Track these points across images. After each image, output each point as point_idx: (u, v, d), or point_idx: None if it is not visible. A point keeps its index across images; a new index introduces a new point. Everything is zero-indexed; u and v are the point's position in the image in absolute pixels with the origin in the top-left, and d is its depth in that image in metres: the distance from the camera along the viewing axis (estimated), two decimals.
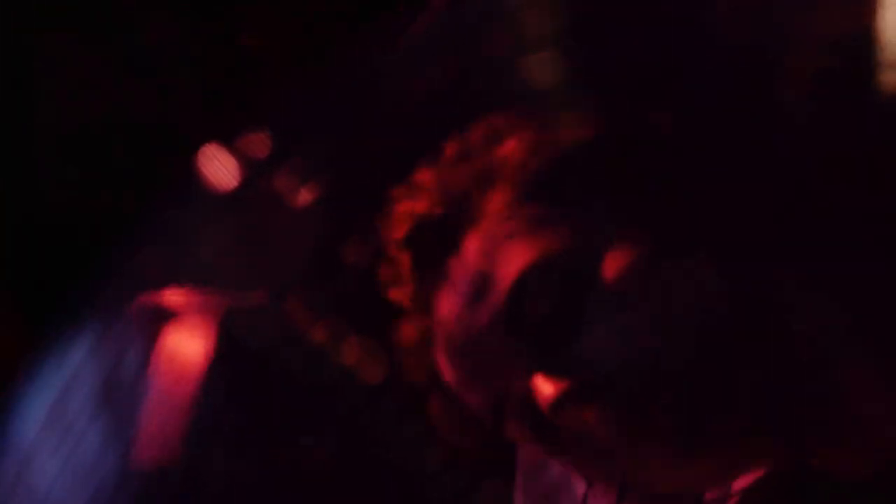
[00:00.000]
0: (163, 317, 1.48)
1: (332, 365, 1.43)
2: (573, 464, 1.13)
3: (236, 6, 2.21)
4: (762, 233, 1.08)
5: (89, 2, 2.23)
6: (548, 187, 1.10)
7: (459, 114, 1.23)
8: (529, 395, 1.08)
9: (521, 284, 1.08)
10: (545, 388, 1.07)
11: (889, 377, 1.06)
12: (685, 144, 1.11)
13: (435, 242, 1.13)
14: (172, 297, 1.47)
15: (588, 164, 1.10)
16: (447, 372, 1.13)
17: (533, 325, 1.08)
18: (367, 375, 1.42)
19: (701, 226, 1.08)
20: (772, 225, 1.08)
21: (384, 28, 1.24)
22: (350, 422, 1.44)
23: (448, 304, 1.12)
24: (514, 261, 1.08)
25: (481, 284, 1.10)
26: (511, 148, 1.12)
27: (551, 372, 1.07)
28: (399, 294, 1.15)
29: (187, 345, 1.48)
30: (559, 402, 1.06)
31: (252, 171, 1.29)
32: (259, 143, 1.28)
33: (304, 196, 1.29)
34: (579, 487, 1.30)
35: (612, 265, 1.07)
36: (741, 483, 1.10)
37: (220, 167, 1.30)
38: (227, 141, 1.30)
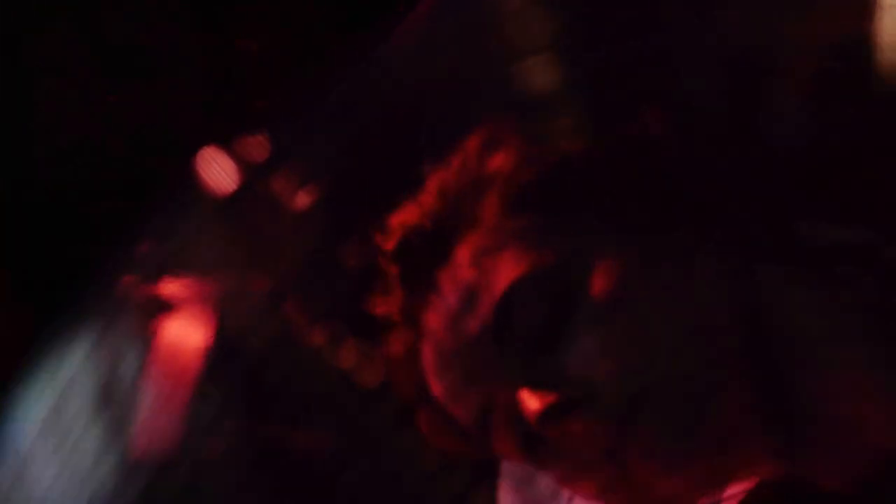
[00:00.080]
0: (161, 307, 1.48)
1: (330, 368, 1.43)
2: (559, 476, 1.13)
3: (234, 10, 2.21)
4: (753, 239, 1.08)
5: (88, 5, 2.23)
6: (538, 200, 1.10)
7: (454, 117, 1.23)
8: (516, 407, 1.08)
9: (509, 297, 1.08)
10: (531, 400, 1.07)
11: (876, 384, 1.06)
12: (679, 152, 1.11)
13: (424, 254, 1.13)
14: (170, 286, 1.47)
15: (578, 177, 1.10)
16: (435, 383, 1.13)
17: (520, 337, 1.08)
18: (364, 378, 1.42)
19: (690, 237, 1.08)
20: (763, 231, 1.08)
21: (381, 32, 1.24)
22: (348, 424, 1.44)
23: (437, 316, 1.11)
24: (503, 273, 1.08)
25: (470, 296, 1.10)
26: (501, 160, 1.12)
27: (538, 385, 1.07)
28: (388, 306, 1.15)
29: (186, 335, 1.48)
30: (545, 414, 1.06)
31: (250, 173, 1.29)
32: (257, 146, 1.28)
33: (302, 199, 1.29)
34: (567, 497, 1.30)
35: (601, 278, 1.06)
36: (729, 494, 1.10)
37: (218, 170, 1.30)
38: (226, 144, 1.31)
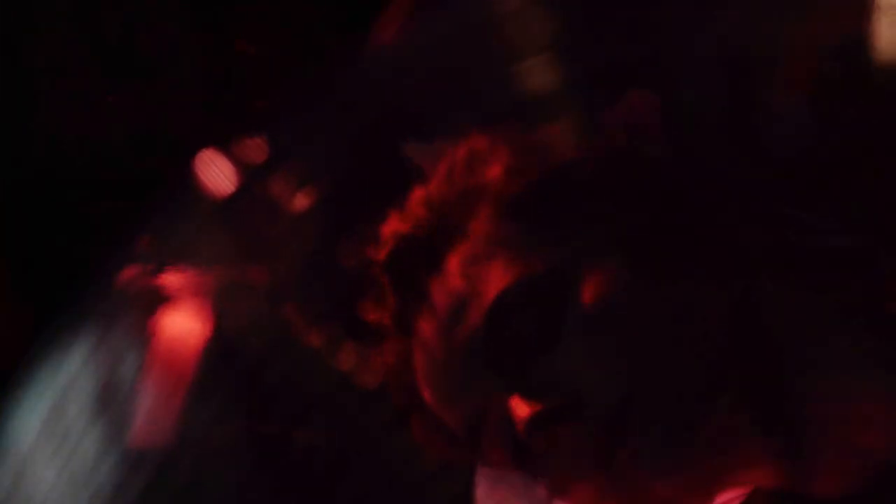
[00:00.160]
0: (158, 306, 1.48)
1: (329, 368, 1.43)
2: (550, 484, 1.13)
3: (234, 10, 2.21)
4: (747, 244, 1.08)
5: (88, 5, 2.23)
6: (528, 209, 1.10)
7: (450, 120, 1.23)
8: (506, 415, 1.08)
9: (498, 305, 1.08)
10: (520, 409, 1.07)
11: (871, 389, 1.06)
12: (675, 155, 1.11)
13: (415, 264, 1.13)
14: (169, 286, 1.47)
15: (569, 186, 1.10)
16: (427, 391, 1.13)
17: (510, 345, 1.08)
18: (364, 378, 1.42)
19: (682, 242, 1.08)
20: (758, 235, 1.08)
21: (377, 34, 1.24)
22: (348, 424, 1.44)
23: (428, 325, 1.12)
24: (493, 282, 1.08)
25: (460, 305, 1.10)
26: (493, 170, 1.12)
27: (527, 393, 1.07)
28: (381, 314, 1.15)
29: (185, 335, 1.48)
30: (534, 423, 1.06)
31: (249, 175, 1.29)
32: (256, 147, 1.28)
33: (301, 200, 1.29)
34: (540, 494, 1.31)
35: (590, 286, 1.06)
36: (722, 501, 1.09)
37: (217, 171, 1.30)
38: (225, 144, 1.31)
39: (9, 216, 2.14)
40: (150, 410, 1.48)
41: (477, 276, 1.10)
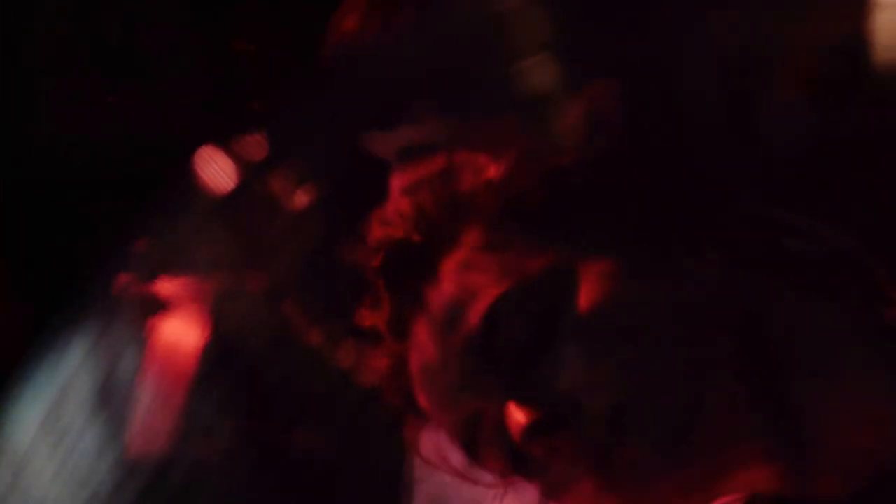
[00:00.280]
0: (157, 306, 1.48)
1: (328, 368, 1.43)
2: (545, 490, 1.13)
3: (233, 10, 2.21)
4: (746, 246, 1.07)
5: (88, 5, 2.23)
6: (523, 213, 1.10)
7: (448, 117, 1.23)
8: (502, 421, 1.08)
9: (494, 311, 1.08)
10: (516, 416, 1.06)
11: (870, 391, 1.06)
12: (673, 157, 1.11)
13: (410, 269, 1.13)
14: (168, 285, 1.47)
15: (564, 190, 1.10)
16: (422, 396, 1.13)
17: (506, 352, 1.08)
18: (362, 378, 1.42)
19: (680, 246, 1.08)
20: (756, 238, 1.08)
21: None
22: (345, 424, 1.44)
23: (423, 330, 1.11)
24: (488, 287, 1.08)
25: (455, 311, 1.10)
26: (487, 175, 1.12)
27: (523, 400, 1.07)
28: (376, 318, 1.15)
29: (181, 348, 1.48)
30: (530, 430, 1.06)
31: (248, 173, 1.29)
32: (255, 146, 1.28)
33: (301, 199, 1.29)
34: (471, 491, 1.31)
35: (586, 291, 1.06)
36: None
37: (216, 169, 1.30)
38: (224, 143, 1.30)
39: (9, 215, 2.14)
40: (148, 409, 1.48)
41: (471, 280, 1.10)
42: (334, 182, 1.31)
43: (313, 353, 1.46)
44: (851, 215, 1.09)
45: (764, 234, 1.07)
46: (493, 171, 1.12)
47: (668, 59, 1.13)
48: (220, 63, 2.20)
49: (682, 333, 1.06)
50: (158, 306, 1.47)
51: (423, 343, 1.12)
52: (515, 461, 1.11)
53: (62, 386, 1.44)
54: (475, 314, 1.09)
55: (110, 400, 1.47)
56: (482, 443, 1.12)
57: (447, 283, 1.11)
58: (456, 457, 1.17)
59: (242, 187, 1.30)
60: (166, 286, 1.46)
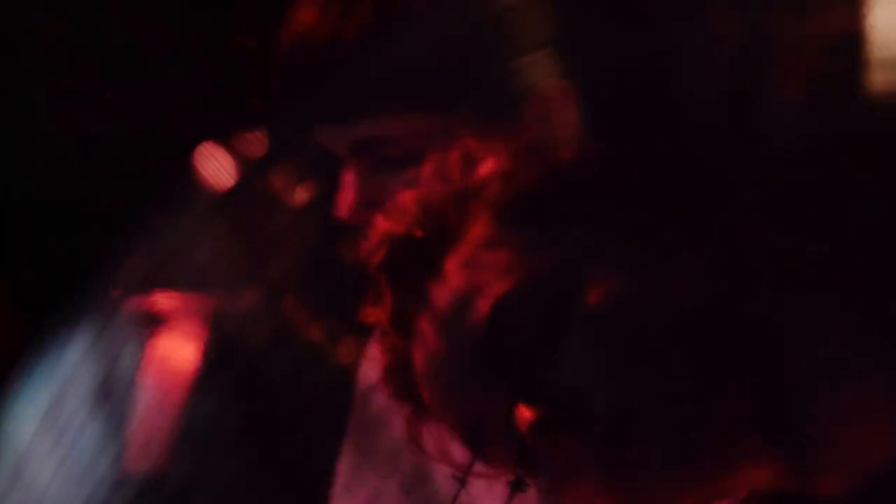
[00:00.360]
0: (155, 321, 1.48)
1: (327, 364, 1.43)
2: (549, 486, 1.13)
3: (234, 9, 2.21)
4: (748, 246, 1.07)
5: (87, 6, 2.23)
6: (528, 209, 1.10)
7: (451, 113, 1.23)
8: (507, 418, 1.08)
9: (500, 308, 1.08)
10: (524, 413, 1.06)
11: (872, 390, 1.06)
12: (674, 155, 1.10)
13: (413, 264, 1.13)
14: (164, 301, 1.47)
15: (568, 186, 1.10)
16: (426, 392, 1.13)
17: (512, 349, 1.08)
18: (361, 374, 1.42)
19: (684, 245, 1.08)
20: (758, 237, 1.08)
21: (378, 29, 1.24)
22: (345, 420, 1.44)
23: (428, 326, 1.11)
24: (494, 284, 1.08)
25: (461, 306, 1.09)
26: (490, 170, 1.11)
27: (531, 397, 1.07)
28: (378, 314, 1.15)
29: (179, 351, 1.47)
30: (536, 426, 1.06)
31: (249, 170, 1.29)
32: (256, 143, 1.28)
33: (301, 195, 1.29)
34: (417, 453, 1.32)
35: (593, 289, 1.06)
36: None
37: (217, 166, 1.30)
38: (225, 141, 1.31)
39: (8, 214, 2.14)
40: (143, 415, 1.47)
41: (476, 276, 1.09)
42: (334, 178, 1.31)
43: (313, 349, 1.46)
44: (851, 213, 1.09)
45: (764, 231, 1.07)
46: (496, 166, 1.12)
47: (667, 57, 1.13)
48: (221, 61, 2.20)
49: (685, 332, 1.06)
50: (156, 319, 1.47)
51: (428, 338, 1.12)
52: (520, 457, 1.10)
53: (62, 383, 1.44)
54: (481, 310, 1.09)
55: (109, 397, 1.47)
56: (486, 438, 1.11)
57: (452, 279, 1.11)
58: (457, 451, 1.17)
59: (243, 184, 1.30)
60: (165, 299, 1.46)
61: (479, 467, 1.15)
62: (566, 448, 1.07)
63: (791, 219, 1.08)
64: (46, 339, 1.43)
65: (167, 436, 1.48)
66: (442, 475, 1.33)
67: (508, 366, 1.08)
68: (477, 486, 1.33)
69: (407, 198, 1.15)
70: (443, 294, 1.11)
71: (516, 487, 1.32)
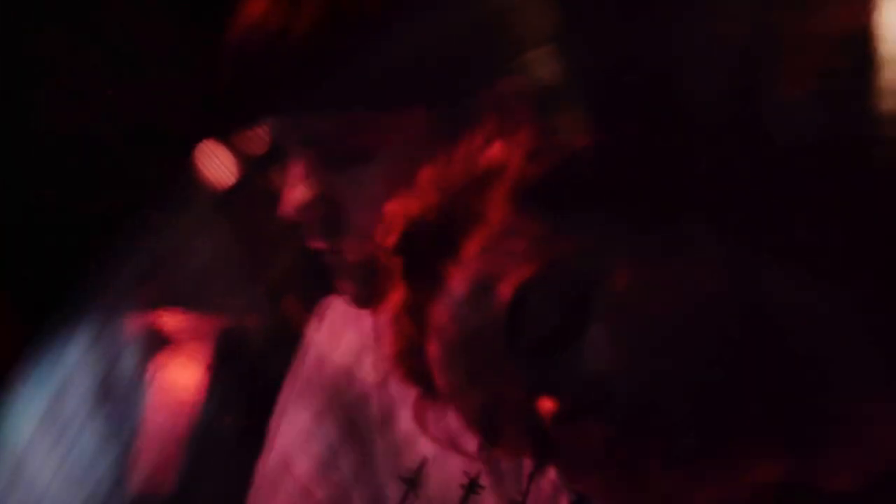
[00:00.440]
0: (161, 343, 1.47)
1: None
2: (566, 475, 1.12)
3: (231, 9, 2.20)
4: (766, 239, 1.07)
5: (83, 3, 2.23)
6: (546, 194, 1.09)
7: (459, 107, 1.22)
8: (525, 405, 1.07)
9: (521, 295, 1.07)
10: (545, 401, 1.06)
11: (881, 382, 1.05)
12: (682, 147, 1.10)
13: (429, 248, 1.11)
14: (168, 321, 1.46)
15: (587, 171, 1.09)
16: (441, 378, 1.12)
17: (532, 336, 1.07)
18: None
19: (700, 234, 1.07)
20: (766, 229, 1.07)
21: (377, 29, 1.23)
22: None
23: (444, 312, 1.10)
24: (515, 271, 1.07)
25: (479, 293, 1.08)
26: (507, 154, 1.10)
27: (551, 385, 1.06)
28: (390, 301, 1.14)
29: (185, 375, 1.47)
30: (557, 416, 1.05)
31: (249, 168, 1.29)
32: (256, 141, 1.28)
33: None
34: (425, 447, 1.31)
35: (615, 277, 1.05)
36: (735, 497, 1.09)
37: (217, 165, 1.29)
38: (225, 138, 1.30)
39: (5, 216, 2.14)
40: (146, 439, 1.47)
41: (497, 263, 1.08)
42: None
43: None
44: (856, 210, 1.08)
45: (776, 224, 1.07)
46: (515, 151, 1.11)
47: (673, 52, 1.13)
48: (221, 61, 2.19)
49: (706, 324, 1.05)
50: (157, 331, 1.46)
51: (444, 325, 1.11)
52: (538, 446, 1.10)
53: (62, 383, 1.44)
54: (502, 297, 1.08)
55: (109, 397, 1.47)
56: (502, 426, 1.10)
57: (471, 264, 1.09)
58: (465, 437, 1.16)
59: (243, 183, 1.29)
60: (171, 319, 1.46)
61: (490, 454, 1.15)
62: (587, 438, 1.06)
63: (795, 215, 1.07)
64: (46, 339, 1.43)
65: (175, 459, 1.48)
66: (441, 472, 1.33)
67: (529, 354, 1.07)
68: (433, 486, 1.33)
69: (425, 179, 1.13)
70: (461, 279, 1.10)
71: (470, 489, 1.32)
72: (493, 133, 1.12)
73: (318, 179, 1.28)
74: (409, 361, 1.14)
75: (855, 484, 1.06)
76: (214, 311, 1.50)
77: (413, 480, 1.37)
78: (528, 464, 1.30)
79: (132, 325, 1.45)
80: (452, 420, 1.16)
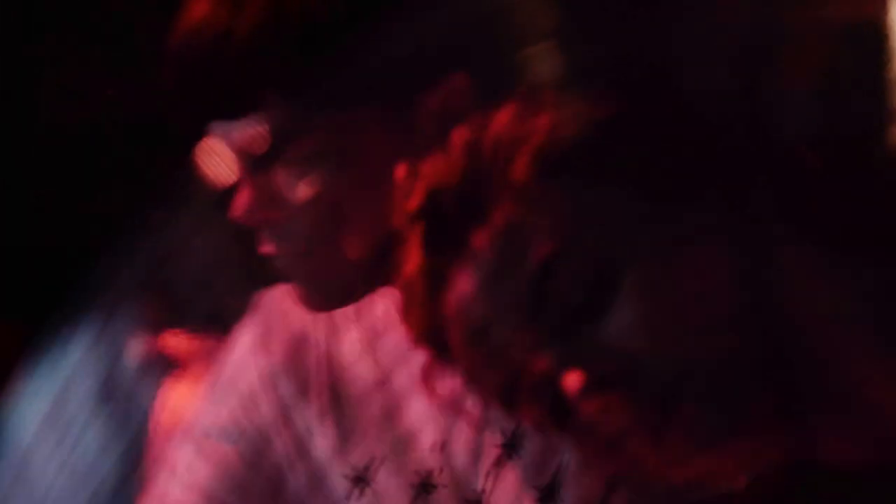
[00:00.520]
0: (168, 367, 1.47)
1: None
2: (586, 448, 1.12)
3: None
4: (768, 222, 1.07)
5: (84, 4, 2.22)
6: (572, 166, 1.08)
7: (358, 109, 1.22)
8: (548, 376, 1.07)
9: (547, 266, 1.06)
10: (572, 375, 1.05)
11: (876, 345, 1.05)
12: (691, 136, 1.10)
13: (454, 213, 1.10)
14: (177, 344, 1.46)
15: (613, 142, 1.08)
16: (460, 349, 1.11)
17: (557, 307, 1.06)
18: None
19: (719, 213, 1.07)
20: (777, 214, 1.07)
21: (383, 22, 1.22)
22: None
23: (468, 279, 1.09)
24: (542, 242, 1.06)
25: (505, 261, 1.07)
26: (538, 123, 1.10)
27: (578, 359, 1.05)
28: (408, 267, 1.12)
29: (189, 399, 1.47)
30: (586, 389, 1.05)
31: (251, 164, 1.28)
32: (258, 137, 1.27)
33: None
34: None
35: (642, 253, 1.05)
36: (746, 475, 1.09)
37: (218, 162, 1.29)
38: (226, 135, 1.29)
39: (7, 214, 2.13)
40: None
41: (526, 230, 1.07)
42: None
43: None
44: (861, 202, 1.09)
45: (786, 210, 1.07)
46: (543, 120, 1.10)
47: (677, 46, 1.13)
48: None
49: (728, 302, 1.05)
50: (170, 364, 1.46)
51: (467, 292, 1.10)
52: (559, 417, 1.09)
53: (64, 382, 1.44)
54: (527, 267, 1.07)
55: (112, 396, 1.47)
56: (524, 395, 1.10)
57: (499, 230, 1.08)
58: (470, 403, 1.16)
59: (245, 178, 1.29)
60: (177, 342, 1.46)
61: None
62: (611, 411, 1.06)
63: (801, 206, 1.08)
64: (48, 339, 1.42)
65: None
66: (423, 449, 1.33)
67: (554, 327, 1.07)
68: (383, 484, 1.33)
69: (456, 142, 1.12)
70: (488, 247, 1.09)
71: (422, 490, 1.32)
72: (522, 103, 1.11)
73: (266, 184, 1.28)
74: (423, 324, 1.12)
75: (863, 458, 1.06)
76: (214, 311, 1.50)
77: (361, 478, 1.37)
78: (486, 462, 1.31)
79: (135, 321, 1.46)
80: (458, 385, 1.15)
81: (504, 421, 1.30)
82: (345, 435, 1.36)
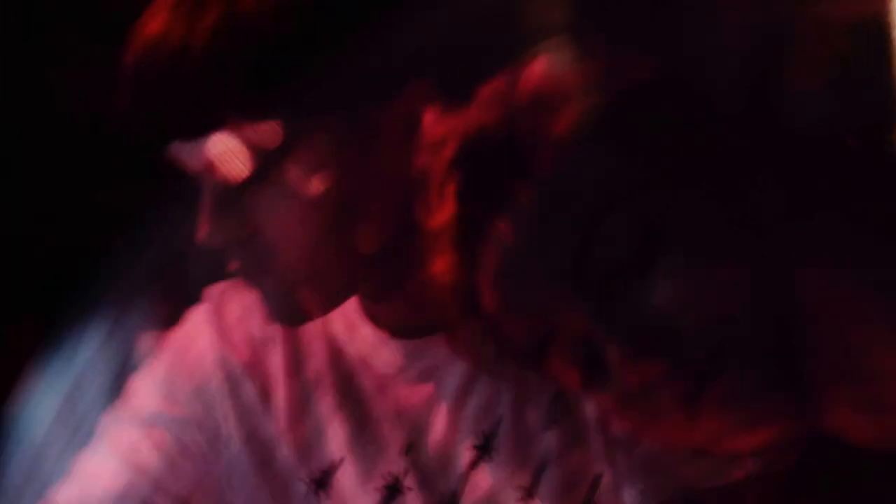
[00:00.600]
0: (173, 296, 1.47)
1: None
2: (615, 406, 1.10)
3: None
4: (781, 204, 1.07)
5: (84, 4, 2.22)
6: (615, 123, 1.07)
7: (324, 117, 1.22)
8: (584, 336, 1.06)
9: (594, 226, 1.05)
10: (613, 342, 1.04)
11: (875, 312, 1.05)
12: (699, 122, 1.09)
13: (495, 161, 1.08)
14: (181, 276, 1.46)
15: (651, 104, 1.07)
16: (494, 297, 1.09)
17: (603, 262, 1.05)
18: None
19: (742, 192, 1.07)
20: (782, 206, 1.07)
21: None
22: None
23: (509, 232, 1.07)
24: (588, 197, 1.05)
25: (550, 214, 1.06)
26: (575, 81, 1.08)
27: (617, 317, 1.05)
28: (438, 217, 1.10)
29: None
30: (626, 356, 1.04)
31: (262, 159, 1.28)
32: (269, 132, 1.27)
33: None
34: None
35: (684, 214, 1.05)
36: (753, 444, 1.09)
37: (230, 157, 1.29)
38: (238, 129, 1.29)
39: (14, 212, 2.13)
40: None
41: (569, 186, 1.06)
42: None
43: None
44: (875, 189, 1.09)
45: (791, 203, 1.07)
46: (581, 79, 1.09)
47: (688, 40, 1.12)
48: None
49: (760, 280, 1.05)
50: (172, 295, 1.46)
51: (509, 247, 1.08)
52: (590, 377, 1.08)
53: (76, 380, 1.44)
54: (574, 224, 1.06)
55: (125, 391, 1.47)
56: (556, 353, 1.09)
57: (543, 185, 1.07)
58: (486, 349, 1.14)
59: (256, 173, 1.29)
60: (178, 277, 1.45)
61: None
62: (647, 372, 1.06)
63: (808, 199, 1.08)
64: (60, 336, 1.42)
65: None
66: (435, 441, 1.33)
67: (595, 283, 1.06)
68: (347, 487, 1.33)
69: (486, 95, 1.11)
70: (533, 196, 1.07)
71: (393, 491, 1.32)
72: (561, 60, 1.10)
73: (225, 203, 1.28)
74: (451, 273, 1.11)
75: (878, 438, 1.06)
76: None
77: (321, 481, 1.37)
78: (463, 463, 1.31)
79: (146, 317, 1.45)
80: (491, 345, 1.14)
81: (479, 421, 1.31)
82: (310, 442, 1.37)
